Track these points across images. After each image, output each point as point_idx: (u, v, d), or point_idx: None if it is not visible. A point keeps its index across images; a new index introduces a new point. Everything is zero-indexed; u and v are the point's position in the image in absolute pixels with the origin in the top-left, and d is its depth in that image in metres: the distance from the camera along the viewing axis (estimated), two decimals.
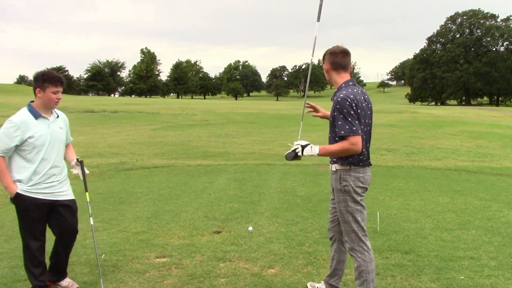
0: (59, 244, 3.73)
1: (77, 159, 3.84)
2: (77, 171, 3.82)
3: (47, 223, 3.67)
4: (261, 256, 4.39)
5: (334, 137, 3.17)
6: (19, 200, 3.50)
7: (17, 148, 3.49)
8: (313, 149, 3.11)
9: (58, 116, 3.70)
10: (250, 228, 5.25)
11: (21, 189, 3.48)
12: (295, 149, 3.15)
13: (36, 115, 3.51)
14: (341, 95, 3.11)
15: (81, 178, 3.84)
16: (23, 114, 3.51)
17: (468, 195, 7.24)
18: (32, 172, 3.49)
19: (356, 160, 3.15)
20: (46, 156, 3.54)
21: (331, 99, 3.22)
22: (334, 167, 3.22)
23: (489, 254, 4.43)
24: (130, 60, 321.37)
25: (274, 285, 3.75)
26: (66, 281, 3.79)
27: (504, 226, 5.44)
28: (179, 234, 5.09)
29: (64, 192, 3.68)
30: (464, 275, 3.90)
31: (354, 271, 3.22)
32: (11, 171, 3.51)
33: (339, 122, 3.06)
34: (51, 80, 3.48)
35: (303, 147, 3.14)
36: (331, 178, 3.29)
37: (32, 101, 3.58)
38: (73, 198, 3.77)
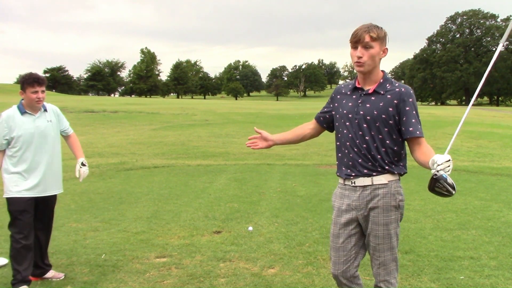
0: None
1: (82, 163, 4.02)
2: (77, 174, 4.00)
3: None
4: (261, 256, 4.39)
5: (392, 138, 2.48)
6: None
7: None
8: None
9: (45, 110, 3.83)
10: (250, 228, 5.25)
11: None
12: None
13: (22, 111, 3.73)
14: (408, 87, 2.50)
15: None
16: (11, 109, 3.74)
17: (468, 195, 7.24)
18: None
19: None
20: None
21: (374, 92, 2.49)
22: (385, 178, 2.45)
23: (489, 254, 4.43)
24: (130, 60, 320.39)
25: (274, 285, 3.75)
26: (50, 273, 3.92)
27: (504, 226, 5.44)
28: (179, 234, 5.09)
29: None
30: (464, 275, 3.90)
31: None
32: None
33: (413, 120, 2.46)
34: (28, 81, 3.69)
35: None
36: (374, 195, 2.45)
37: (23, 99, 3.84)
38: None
